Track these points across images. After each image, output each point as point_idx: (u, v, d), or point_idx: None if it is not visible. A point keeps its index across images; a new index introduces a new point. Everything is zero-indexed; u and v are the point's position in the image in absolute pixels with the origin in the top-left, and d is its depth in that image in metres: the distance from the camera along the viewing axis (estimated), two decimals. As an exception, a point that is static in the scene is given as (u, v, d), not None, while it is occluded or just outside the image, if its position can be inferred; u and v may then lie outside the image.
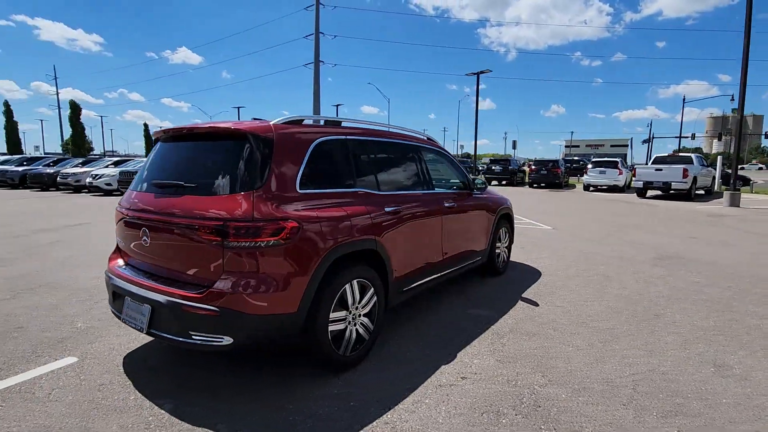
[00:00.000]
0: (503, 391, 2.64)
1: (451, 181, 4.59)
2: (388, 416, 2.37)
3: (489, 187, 5.39)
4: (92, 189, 16.99)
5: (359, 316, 2.96)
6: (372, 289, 3.04)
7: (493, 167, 24.50)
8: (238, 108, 50.86)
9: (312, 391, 2.62)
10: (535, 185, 23.45)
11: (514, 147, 35.87)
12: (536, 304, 4.25)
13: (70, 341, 3.34)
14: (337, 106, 51.78)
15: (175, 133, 2.88)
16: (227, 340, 2.34)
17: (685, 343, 3.35)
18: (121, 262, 3.00)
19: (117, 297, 2.81)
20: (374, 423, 2.30)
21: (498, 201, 5.18)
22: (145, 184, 2.89)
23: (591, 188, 20.96)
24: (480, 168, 27.55)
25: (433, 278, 3.88)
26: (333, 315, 2.72)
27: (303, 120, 2.96)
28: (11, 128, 49.26)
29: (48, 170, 19.04)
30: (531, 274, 5.39)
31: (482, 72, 24.88)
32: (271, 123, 2.73)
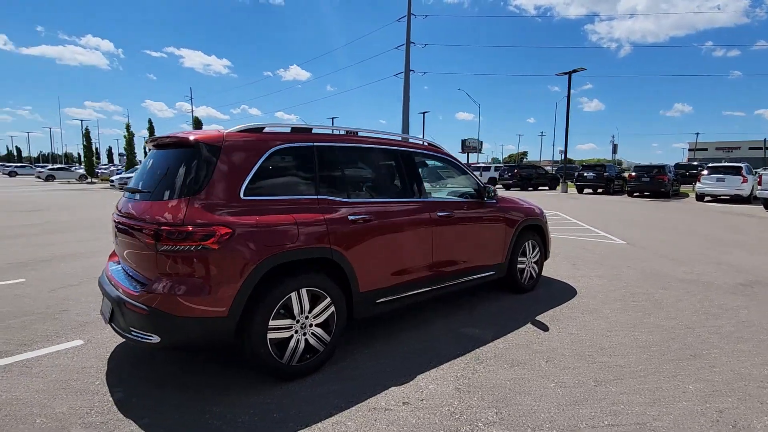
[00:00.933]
0: (439, 423, 2.36)
1: (455, 189, 4.27)
2: None
3: (516, 196, 4.93)
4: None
5: (310, 326, 2.89)
6: (328, 299, 2.95)
7: (585, 174, 22.32)
8: (332, 119, 53.74)
9: (247, 396, 2.62)
10: (636, 194, 20.87)
11: (614, 152, 32.20)
12: (546, 329, 3.74)
13: (89, 326, 3.79)
14: (424, 113, 51.90)
15: (152, 142, 3.12)
16: (155, 339, 2.46)
17: (710, 395, 2.67)
18: (112, 261, 3.33)
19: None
20: (281, 439, 2.23)
21: (522, 211, 4.69)
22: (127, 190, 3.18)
23: (706, 198, 17.98)
24: (555, 174, 25.37)
25: (422, 292, 3.65)
26: (274, 322, 2.70)
27: (264, 128, 3.00)
28: None
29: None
30: (564, 294, 4.78)
31: (574, 71, 22.83)
32: (224, 131, 2.82)
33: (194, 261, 2.46)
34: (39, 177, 40.03)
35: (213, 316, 2.49)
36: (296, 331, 2.82)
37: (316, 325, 2.93)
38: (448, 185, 4.59)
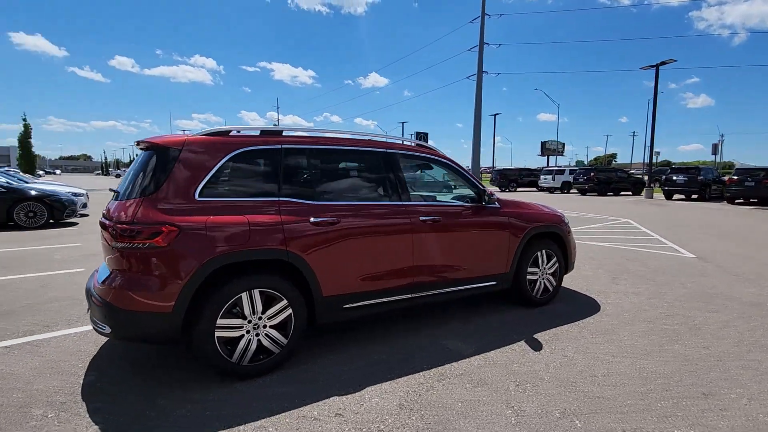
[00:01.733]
0: (359, 440, 2.22)
1: (448, 192, 4.03)
2: None
3: (534, 201, 4.53)
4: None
5: (264, 327, 2.90)
6: (284, 301, 2.94)
7: (674, 177, 19.86)
8: (403, 123, 54.17)
9: (195, 393, 2.69)
10: (738, 201, 18.13)
11: (714, 152, 28.15)
12: (538, 348, 3.37)
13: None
14: (495, 115, 50.13)
15: (138, 146, 3.36)
16: (108, 330, 2.64)
17: (701, 443, 2.19)
18: None
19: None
20: (198, 437, 2.25)
21: (532, 218, 4.29)
22: None
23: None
24: (627, 174, 22.66)
25: (401, 299, 3.49)
26: (222, 321, 2.74)
27: (230, 131, 3.08)
28: None
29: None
30: (583, 310, 4.27)
31: (663, 63, 20.43)
32: (188, 136, 2.94)
33: (143, 258, 2.60)
34: None
35: (158, 312, 2.60)
36: (247, 331, 2.85)
37: (271, 327, 2.93)
38: (454, 189, 4.37)
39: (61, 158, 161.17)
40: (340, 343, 3.46)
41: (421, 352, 3.31)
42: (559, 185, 27.47)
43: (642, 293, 4.91)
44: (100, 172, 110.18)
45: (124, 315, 2.59)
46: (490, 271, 4.02)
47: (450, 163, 4.01)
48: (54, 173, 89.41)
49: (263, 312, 2.89)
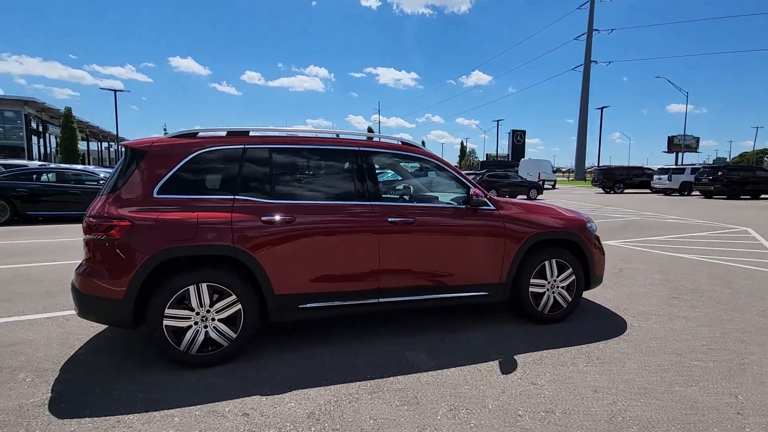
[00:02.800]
0: (244, 443, 2.18)
1: (434, 194, 3.72)
2: (121, 418, 2.41)
3: (550, 203, 4.00)
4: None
5: (212, 320, 3.01)
6: (233, 296, 3.02)
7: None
8: (498, 121, 51.85)
9: (147, 376, 2.90)
10: None
11: None
12: (509, 371, 2.95)
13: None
14: (602, 108, 45.07)
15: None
16: (76, 311, 2.98)
17: None
18: None
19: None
20: (99, 419, 2.41)
21: (536, 222, 3.77)
22: None
23: None
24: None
25: (366, 303, 3.35)
26: (170, 311, 2.91)
27: (197, 133, 3.25)
28: None
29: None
30: (599, 333, 3.64)
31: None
32: (155, 138, 3.18)
33: (101, 248, 2.88)
34: None
35: (111, 298, 2.86)
36: (195, 323, 2.98)
37: (220, 320, 3.03)
38: (413, 189, 4.06)
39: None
40: (308, 342, 3.45)
41: (375, 360, 3.13)
42: (676, 186, 23.73)
43: (695, 318, 4.01)
44: None
45: (86, 299, 2.90)
46: (480, 280, 3.64)
47: (433, 160, 3.73)
48: None
49: (211, 306, 3.00)
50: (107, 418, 2.40)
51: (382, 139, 3.73)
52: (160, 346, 2.93)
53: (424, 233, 3.47)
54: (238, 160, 3.19)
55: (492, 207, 3.69)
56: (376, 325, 3.81)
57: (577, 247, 3.92)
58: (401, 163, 3.81)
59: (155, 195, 2.98)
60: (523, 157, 40.24)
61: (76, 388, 2.74)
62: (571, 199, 21.49)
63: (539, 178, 29.41)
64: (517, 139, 46.56)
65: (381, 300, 3.39)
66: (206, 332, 3.01)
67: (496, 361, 3.11)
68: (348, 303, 3.32)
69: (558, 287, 3.88)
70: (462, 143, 70.61)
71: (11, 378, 2.86)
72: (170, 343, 2.93)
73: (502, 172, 22.39)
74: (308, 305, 3.22)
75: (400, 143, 3.73)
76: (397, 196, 3.91)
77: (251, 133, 3.35)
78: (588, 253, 3.93)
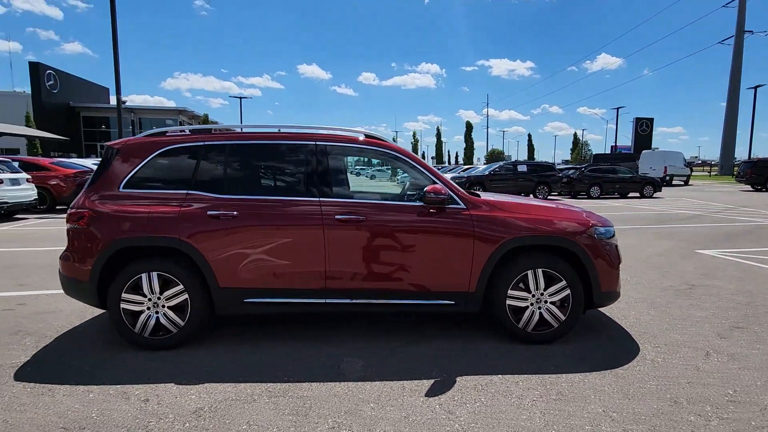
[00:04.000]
0: (124, 426, 2.27)
1: (396, 190, 3.39)
2: (54, 387, 2.69)
3: (546, 201, 3.41)
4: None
5: (162, 306, 3.21)
6: (180, 286, 3.18)
7: None
8: (617, 109, 45.63)
9: (123, 353, 3.21)
10: None
11: None
12: (433, 394, 2.58)
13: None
14: (755, 87, 36.39)
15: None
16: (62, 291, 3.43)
17: None
18: None
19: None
20: (39, 386, 2.72)
21: (515, 224, 3.21)
22: None
23: None
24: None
25: (312, 303, 3.24)
26: (126, 295, 3.17)
27: (166, 132, 3.47)
28: (469, 144, 62.98)
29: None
30: (586, 362, 2.98)
31: None
32: (130, 138, 3.48)
33: (74, 236, 3.26)
34: (364, 176, 53.49)
35: (80, 279, 3.23)
36: (148, 308, 3.21)
37: (169, 308, 3.21)
38: (373, 185, 3.70)
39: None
40: (267, 336, 3.47)
41: (308, 363, 3.01)
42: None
43: (743, 358, 3.03)
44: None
45: (65, 279, 3.32)
46: (445, 288, 3.25)
47: (401, 155, 3.41)
48: None
49: (161, 293, 3.20)
50: (46, 385, 2.71)
51: (345, 133, 3.54)
52: (118, 328, 3.23)
53: (376, 232, 3.22)
54: (195, 157, 3.33)
55: (461, 206, 3.26)
56: (341, 326, 3.67)
57: (574, 256, 3.26)
58: (342, 158, 3.53)
59: (120, 189, 3.27)
60: (649, 148, 34.74)
61: (50, 356, 3.16)
62: (699, 197, 18.03)
63: (665, 172, 25.19)
64: (642, 129, 40.01)
65: (328, 301, 3.25)
66: (157, 318, 3.22)
67: (431, 381, 2.75)
68: (293, 301, 3.25)
69: (546, 302, 3.27)
70: (575, 134, 63.82)
71: (18, 340, 3.42)
72: (126, 325, 3.21)
73: (607, 167, 19.69)
74: (253, 300, 3.24)
75: (362, 137, 3.51)
76: (356, 191, 3.68)
77: (213, 131, 3.47)
78: (588, 263, 3.23)
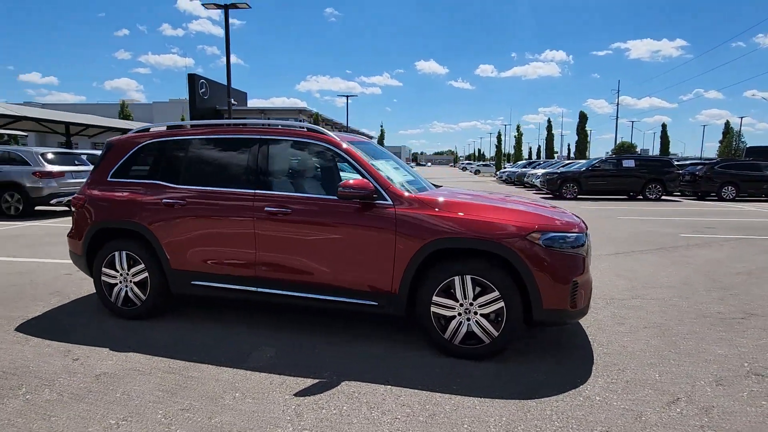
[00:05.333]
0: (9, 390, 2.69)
1: (328, 184, 3.29)
2: (39, 342, 3.27)
3: (497, 195, 3.03)
4: (529, 186, 19.62)
5: (129, 281, 3.66)
6: (142, 265, 3.59)
7: None
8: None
9: (106, 322, 3.81)
10: None
11: None
12: (308, 394, 2.50)
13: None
14: None
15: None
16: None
17: None
18: None
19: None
20: (30, 338, 3.32)
21: (444, 224, 2.88)
22: None
23: None
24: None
25: (246, 291, 3.37)
26: (105, 270, 3.69)
27: (150, 128, 3.92)
28: (582, 137, 54.55)
29: (518, 170, 23.59)
30: (521, 388, 2.56)
31: None
32: (123, 135, 4.00)
33: (74, 217, 3.89)
34: (469, 171, 52.20)
35: (77, 254, 3.85)
36: (120, 282, 3.68)
37: (134, 283, 3.64)
38: (308, 179, 3.53)
39: (435, 154, 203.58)
40: (214, 317, 3.72)
41: (222, 346, 3.16)
42: None
43: (728, 416, 2.28)
44: (453, 164, 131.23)
45: (71, 254, 4.00)
46: (368, 287, 3.10)
47: (333, 147, 3.30)
48: (426, 165, 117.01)
49: (128, 270, 3.65)
50: (27, 336, 3.32)
51: (288, 127, 3.56)
52: (99, 296, 3.78)
53: (301, 226, 3.21)
54: (163, 151, 3.71)
55: (387, 202, 3.05)
56: (283, 317, 3.73)
57: (509, 264, 2.81)
58: (284, 151, 3.52)
59: (109, 179, 3.81)
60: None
61: (54, 314, 3.85)
62: None
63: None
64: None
65: (259, 290, 3.35)
66: (127, 291, 3.68)
67: (314, 381, 2.66)
68: (230, 287, 3.42)
69: (476, 313, 2.89)
70: (727, 123, 51.63)
71: (43, 297, 4.23)
72: (105, 294, 3.73)
73: (747, 162, 15.85)
74: (198, 283, 3.49)
75: (305, 130, 3.49)
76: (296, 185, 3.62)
77: (189, 127, 3.81)
78: (525, 273, 2.75)
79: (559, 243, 2.82)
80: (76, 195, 3.92)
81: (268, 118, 50.67)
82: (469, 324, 2.91)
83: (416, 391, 2.55)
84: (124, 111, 38.17)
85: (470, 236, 2.85)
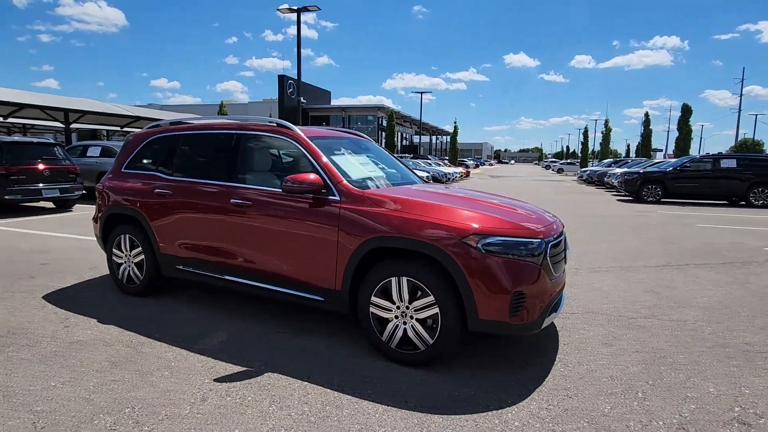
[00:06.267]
0: None
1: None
2: (56, 310, 3.80)
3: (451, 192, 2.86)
4: (609, 186, 17.80)
5: (131, 263, 4.07)
6: (140, 248, 3.98)
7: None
8: None
9: (111, 295, 4.31)
10: None
11: None
12: (205, 381, 2.58)
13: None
14: None
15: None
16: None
17: None
18: None
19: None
20: (47, 305, 3.87)
21: (376, 225, 2.77)
22: None
23: None
24: None
25: (218, 278, 3.55)
26: (114, 251, 4.16)
27: (159, 124, 4.30)
28: (684, 134, 47.43)
29: (600, 169, 21.49)
30: (441, 400, 2.40)
31: None
32: (141, 129, 4.44)
33: (97, 203, 4.42)
34: (552, 169, 48.88)
35: (97, 235, 4.37)
36: (124, 262, 4.11)
37: (134, 264, 4.05)
38: (276, 172, 3.47)
39: (519, 151, 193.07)
40: (201, 298, 3.99)
41: (185, 327, 3.37)
42: None
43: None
44: (537, 162, 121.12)
45: (95, 235, 4.55)
46: (315, 282, 3.09)
47: (299, 145, 3.30)
48: (509, 163, 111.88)
49: (130, 251, 4.06)
50: (45, 303, 3.87)
51: (260, 123, 3.64)
52: (111, 274, 4.26)
53: (259, 217, 3.30)
54: (163, 145, 4.06)
55: (336, 197, 3.01)
56: (251, 305, 3.86)
57: (444, 269, 2.60)
58: (253, 145, 3.59)
59: (122, 170, 4.27)
60: None
61: (80, 286, 4.42)
62: None
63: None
64: None
65: (226, 278, 3.52)
66: (129, 270, 4.10)
67: (239, 369, 2.73)
68: (204, 273, 3.64)
69: (412, 318, 2.73)
70: None
71: (83, 271, 4.88)
72: (114, 273, 4.21)
73: None
74: (181, 267, 3.78)
75: (274, 125, 3.55)
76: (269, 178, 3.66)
77: (183, 123, 4.12)
78: (460, 279, 2.54)
79: (503, 248, 2.55)
80: (98, 185, 4.45)
81: (348, 116, 52.53)
82: (405, 328, 2.77)
83: (328, 390, 2.49)
84: (222, 111, 42.04)
85: (404, 236, 2.69)
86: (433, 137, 71.52)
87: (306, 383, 2.58)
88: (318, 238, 3.03)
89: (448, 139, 69.76)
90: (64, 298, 4.03)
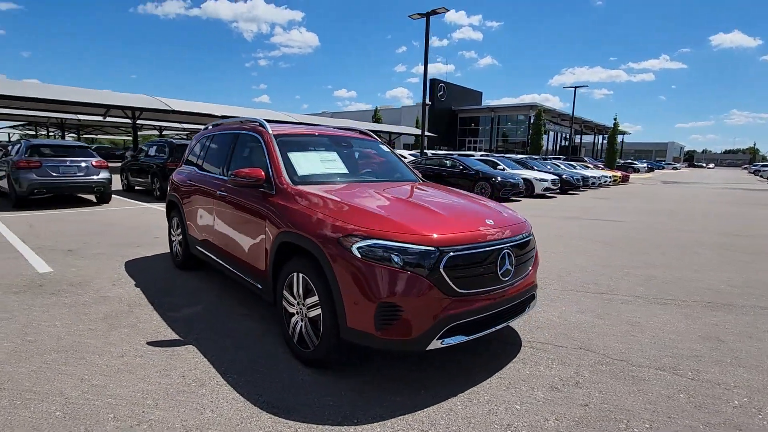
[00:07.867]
0: None
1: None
2: (100, 289, 4.89)
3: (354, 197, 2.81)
4: None
5: (177, 240, 4.93)
6: (180, 229, 4.80)
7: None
8: None
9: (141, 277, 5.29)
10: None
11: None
12: (147, 365, 2.99)
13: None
14: None
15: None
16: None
17: None
18: None
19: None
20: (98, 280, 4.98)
21: (289, 219, 2.79)
22: None
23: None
24: None
25: (214, 260, 4.05)
26: (170, 230, 5.11)
27: (209, 125, 5.07)
28: None
29: None
30: (345, 407, 2.38)
31: None
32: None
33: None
34: (761, 176, 39.37)
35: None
36: (174, 239, 5.00)
37: (177, 242, 4.90)
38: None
39: (725, 152, 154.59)
40: (221, 278, 4.60)
41: (176, 297, 3.93)
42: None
43: None
44: (747, 166, 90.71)
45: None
46: (254, 269, 3.30)
47: (258, 136, 3.60)
48: (707, 167, 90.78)
49: (176, 231, 4.92)
50: (120, 269, 4.99)
51: (248, 121, 3.98)
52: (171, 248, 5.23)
53: (230, 208, 3.65)
54: (200, 142, 4.80)
55: (272, 191, 3.15)
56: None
57: (317, 265, 2.52)
58: (243, 142, 3.86)
59: (182, 165, 5.20)
60: None
61: (157, 258, 5.54)
62: None
63: None
64: None
65: (218, 260, 3.98)
66: (176, 246, 4.98)
67: (174, 338, 3.12)
68: (209, 256, 4.18)
69: (306, 316, 2.69)
70: None
71: (149, 249, 6.08)
72: (170, 247, 5.16)
73: None
74: (198, 249, 4.42)
75: (256, 123, 3.84)
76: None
77: (213, 126, 4.80)
78: (333, 282, 2.40)
79: (379, 252, 2.32)
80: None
81: (498, 116, 50.48)
82: (302, 325, 2.75)
83: (213, 371, 2.67)
84: (376, 115, 45.21)
85: (297, 232, 2.69)
86: (599, 136, 63.32)
87: (206, 360, 2.80)
88: (259, 230, 3.21)
89: (623, 138, 60.95)
90: (137, 264, 5.11)
